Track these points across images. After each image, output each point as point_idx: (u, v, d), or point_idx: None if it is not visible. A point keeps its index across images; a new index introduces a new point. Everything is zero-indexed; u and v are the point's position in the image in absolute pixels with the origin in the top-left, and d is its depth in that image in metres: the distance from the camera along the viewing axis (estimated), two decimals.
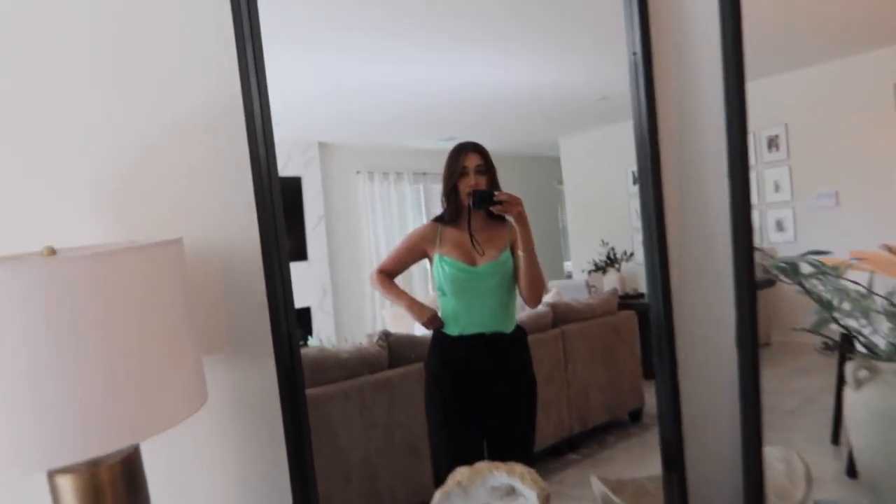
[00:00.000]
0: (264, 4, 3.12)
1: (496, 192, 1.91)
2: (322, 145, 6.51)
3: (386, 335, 2.49)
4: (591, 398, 3.64)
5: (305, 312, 6.17)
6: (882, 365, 1.08)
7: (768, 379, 4.55)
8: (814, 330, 1.26)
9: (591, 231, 6.88)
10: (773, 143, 5.68)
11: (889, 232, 5.10)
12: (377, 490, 2.48)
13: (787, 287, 5.69)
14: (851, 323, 1.16)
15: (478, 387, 2.01)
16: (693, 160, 1.51)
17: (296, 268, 5.80)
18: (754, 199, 6.75)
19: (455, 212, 2.08)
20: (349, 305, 6.47)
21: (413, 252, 2.12)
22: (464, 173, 2.03)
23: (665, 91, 1.48)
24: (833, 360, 4.97)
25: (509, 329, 2.05)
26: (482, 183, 1.99)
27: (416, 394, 2.55)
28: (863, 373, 1.10)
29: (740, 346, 1.38)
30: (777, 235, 5.73)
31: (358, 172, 6.77)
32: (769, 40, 4.73)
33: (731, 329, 1.42)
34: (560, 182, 7.57)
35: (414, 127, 6.53)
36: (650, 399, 4.52)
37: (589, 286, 5.72)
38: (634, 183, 6.67)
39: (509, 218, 1.93)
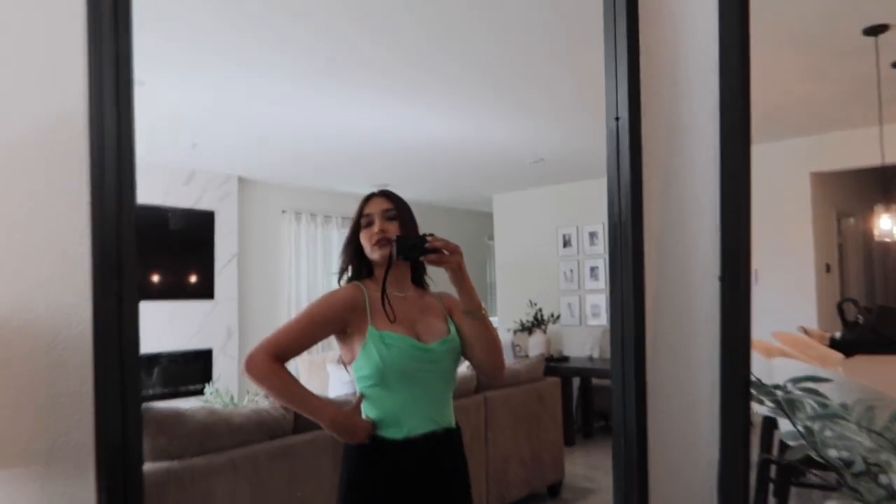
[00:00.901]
0: (181, 26, 2.85)
1: (429, 237, 1.38)
2: (242, 180, 6.15)
3: None
4: (510, 472, 3.41)
5: (207, 355, 5.66)
6: None
7: None
8: (790, 458, 1.03)
9: (519, 289, 6.82)
10: None
11: (806, 314, 5.32)
12: None
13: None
14: (834, 454, 0.98)
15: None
16: (679, 249, 1.15)
17: (200, 307, 5.35)
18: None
19: (364, 271, 1.53)
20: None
21: (323, 328, 1.46)
22: (367, 223, 1.50)
23: (652, 162, 1.15)
24: None
25: (454, 424, 1.50)
26: (392, 231, 1.47)
27: (324, 464, 2.24)
28: None
29: (722, 492, 1.02)
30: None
31: (283, 212, 6.44)
32: None
33: (713, 469, 1.06)
34: (491, 238, 7.54)
35: (346, 170, 6.31)
36: (571, 469, 4.38)
37: (514, 346, 5.60)
38: (565, 245, 6.70)
39: (447, 272, 1.39)
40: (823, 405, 1.01)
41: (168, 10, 2.57)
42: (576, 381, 5.27)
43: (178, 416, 1.95)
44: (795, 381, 1.08)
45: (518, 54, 3.12)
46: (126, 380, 0.87)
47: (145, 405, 1.95)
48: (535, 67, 3.29)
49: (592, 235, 6.19)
